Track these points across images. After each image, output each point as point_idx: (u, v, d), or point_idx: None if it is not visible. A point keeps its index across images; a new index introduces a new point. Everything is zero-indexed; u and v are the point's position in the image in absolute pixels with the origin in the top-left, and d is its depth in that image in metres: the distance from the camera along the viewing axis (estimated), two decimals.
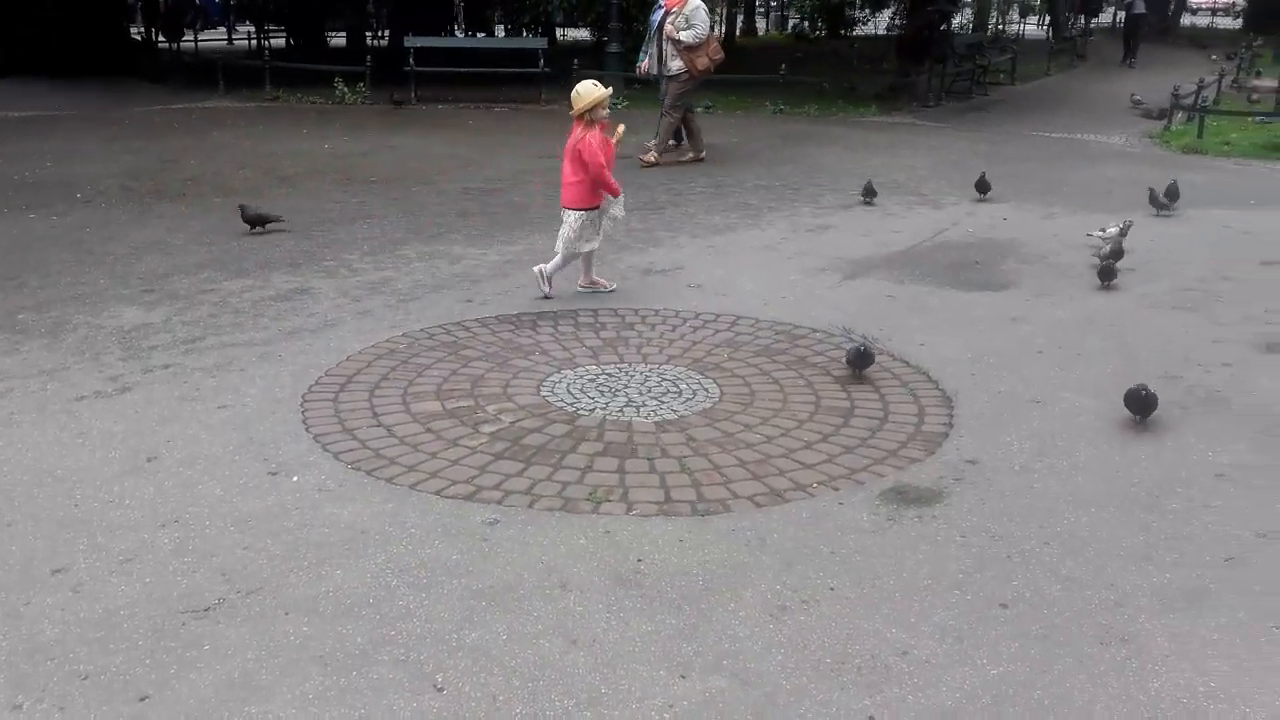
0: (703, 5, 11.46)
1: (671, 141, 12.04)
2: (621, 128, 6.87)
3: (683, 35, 11.25)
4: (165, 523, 3.87)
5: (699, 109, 16.74)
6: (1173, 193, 9.33)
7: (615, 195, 6.70)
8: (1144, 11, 26.35)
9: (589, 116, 6.51)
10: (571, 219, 6.64)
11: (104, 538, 3.76)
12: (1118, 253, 7.33)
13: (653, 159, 11.58)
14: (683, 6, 11.31)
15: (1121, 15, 29.02)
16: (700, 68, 11.40)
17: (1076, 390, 5.31)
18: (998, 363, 5.67)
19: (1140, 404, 4.82)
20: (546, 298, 6.63)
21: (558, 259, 6.71)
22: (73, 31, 18.45)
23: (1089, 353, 5.87)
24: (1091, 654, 3.20)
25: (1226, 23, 40.81)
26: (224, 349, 5.71)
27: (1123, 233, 7.74)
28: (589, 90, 6.47)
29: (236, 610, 3.35)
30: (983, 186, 10.04)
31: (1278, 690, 3.04)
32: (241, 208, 8.30)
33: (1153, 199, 9.29)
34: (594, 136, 6.51)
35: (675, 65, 11.47)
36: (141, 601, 3.38)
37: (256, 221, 8.23)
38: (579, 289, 6.87)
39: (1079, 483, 4.31)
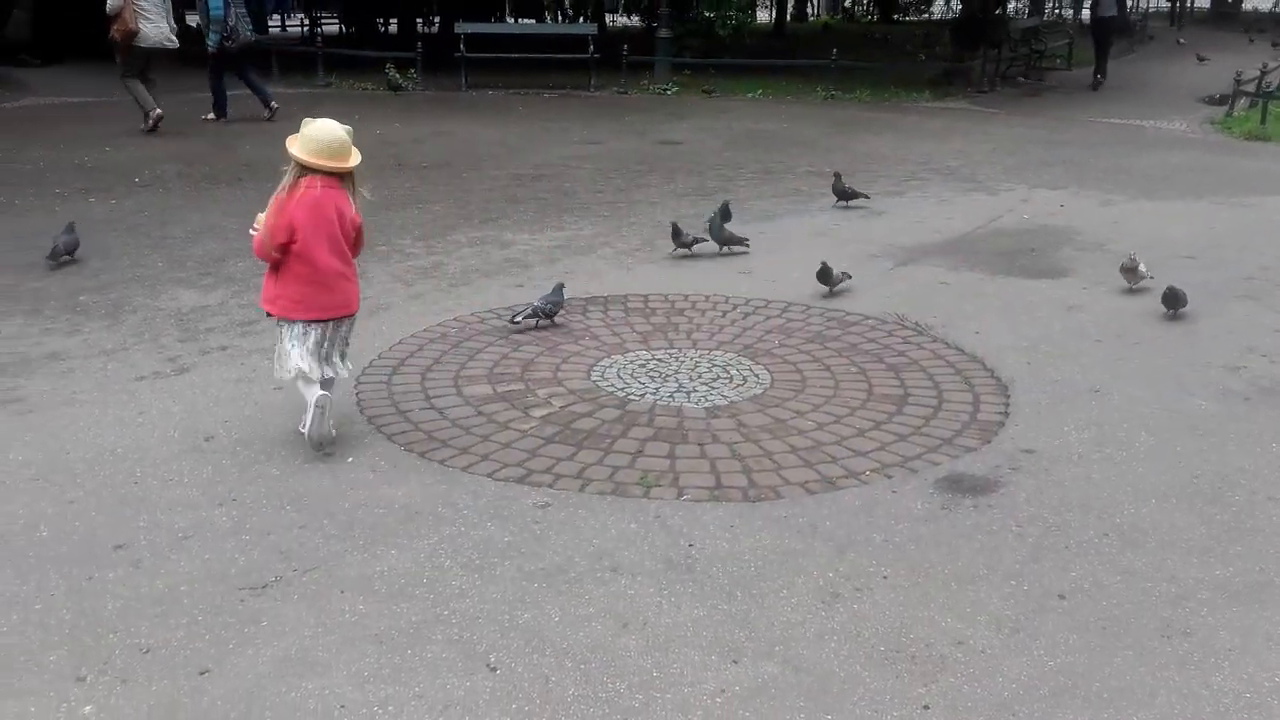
0: None
1: (210, 115, 12.62)
2: None
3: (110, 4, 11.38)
4: (223, 501, 3.93)
5: (751, 95, 16.66)
6: (1177, 298, 6.16)
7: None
8: (1114, 14, 18.71)
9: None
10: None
11: (164, 515, 3.82)
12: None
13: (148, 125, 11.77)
14: None
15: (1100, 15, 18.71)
16: (112, 34, 11.41)
17: (1134, 380, 5.21)
18: (1054, 351, 5.58)
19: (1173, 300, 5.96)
20: None
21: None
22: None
23: (1147, 341, 5.76)
24: (1152, 647, 3.14)
25: None
26: None
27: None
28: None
29: (293, 588, 3.39)
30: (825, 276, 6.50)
31: None
32: None
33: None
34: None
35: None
36: (200, 578, 3.44)
37: None
38: None
39: (1139, 474, 4.23)
